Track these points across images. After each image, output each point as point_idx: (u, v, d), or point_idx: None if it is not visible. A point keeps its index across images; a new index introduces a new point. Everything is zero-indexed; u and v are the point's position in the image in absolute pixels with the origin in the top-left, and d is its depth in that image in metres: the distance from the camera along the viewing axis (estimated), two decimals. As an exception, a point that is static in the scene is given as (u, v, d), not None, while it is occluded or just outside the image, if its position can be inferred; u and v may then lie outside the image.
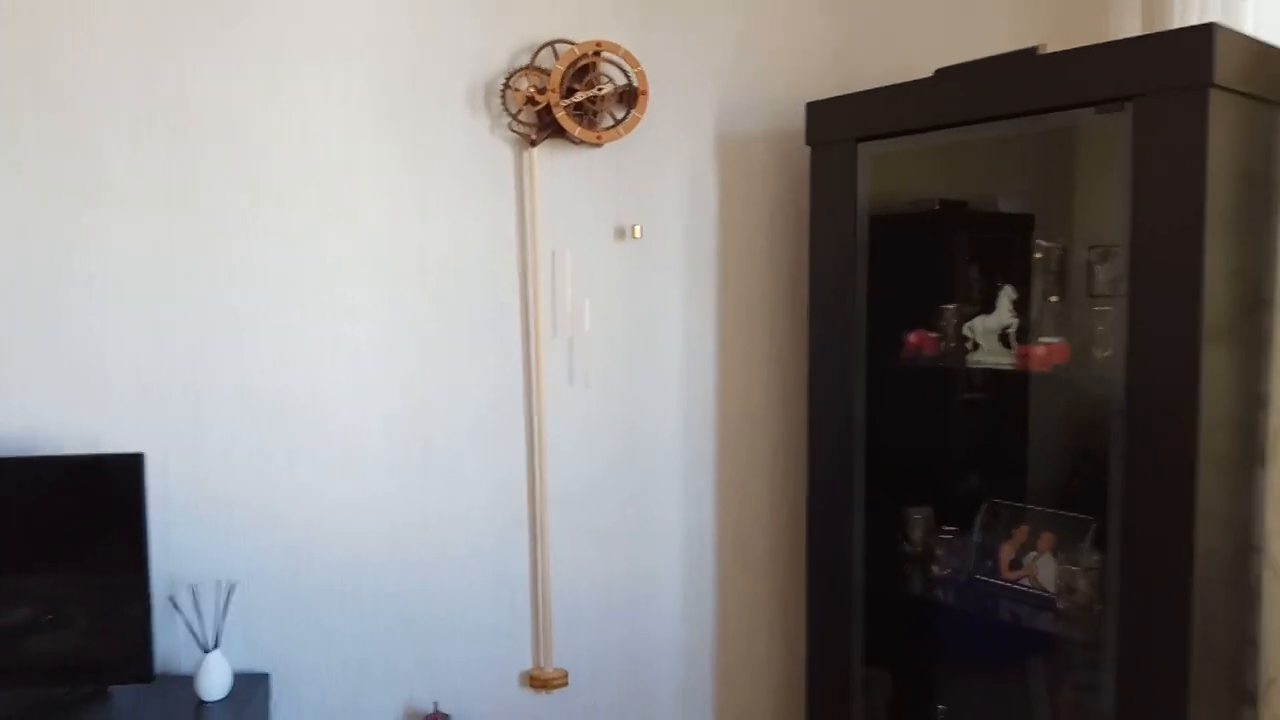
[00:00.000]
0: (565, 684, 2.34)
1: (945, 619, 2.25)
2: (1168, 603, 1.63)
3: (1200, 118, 1.53)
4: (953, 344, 2.09)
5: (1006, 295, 1.97)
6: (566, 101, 2.15)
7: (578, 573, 2.35)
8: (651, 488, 2.40)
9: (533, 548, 2.32)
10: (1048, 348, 1.90)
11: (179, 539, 2.14)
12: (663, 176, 2.33)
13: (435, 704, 2.25)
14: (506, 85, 2.18)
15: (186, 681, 2.11)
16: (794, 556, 2.52)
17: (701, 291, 2.39)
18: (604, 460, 2.35)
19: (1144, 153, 1.60)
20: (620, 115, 2.21)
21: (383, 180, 2.18)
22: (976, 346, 2.03)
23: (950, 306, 2.10)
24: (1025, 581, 2.02)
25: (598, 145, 2.24)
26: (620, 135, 2.20)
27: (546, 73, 2.17)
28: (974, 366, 2.05)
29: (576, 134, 2.17)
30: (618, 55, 2.17)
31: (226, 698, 2.05)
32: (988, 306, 2.02)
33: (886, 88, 1.99)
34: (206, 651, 2.05)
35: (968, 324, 2.04)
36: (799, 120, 2.39)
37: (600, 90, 2.17)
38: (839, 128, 2.09)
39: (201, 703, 2.02)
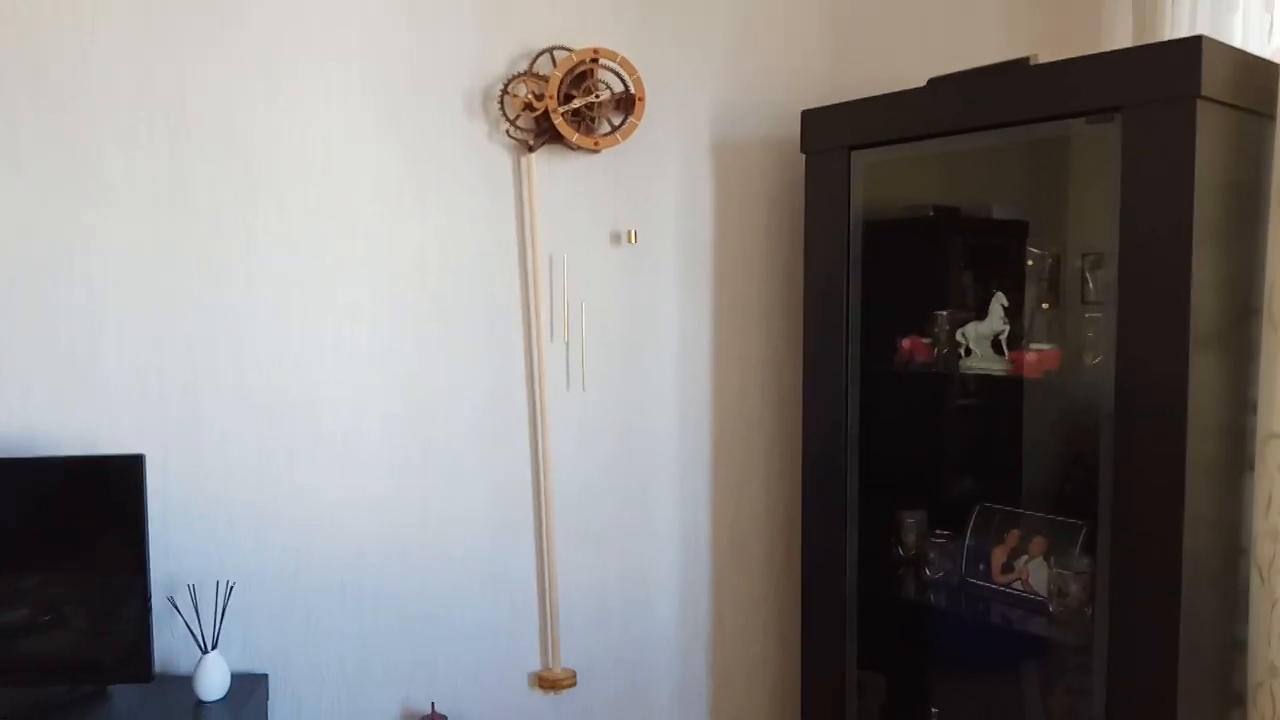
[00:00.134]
0: (573, 684, 2.36)
1: (938, 622, 2.27)
2: (1157, 606, 1.65)
3: (1188, 128, 1.55)
4: (946, 350, 2.11)
5: (998, 302, 1.99)
6: (564, 108, 2.17)
7: (575, 574, 2.37)
8: (648, 490, 2.41)
9: (538, 549, 2.34)
10: (1039, 354, 1.93)
11: (178, 539, 2.15)
12: (659, 182, 2.35)
13: (433, 704, 2.27)
14: (505, 91, 2.20)
15: (185, 681, 2.12)
16: (789, 559, 2.54)
17: (697, 296, 2.41)
18: (601, 463, 2.37)
19: (1133, 162, 1.62)
20: (617, 121, 2.23)
21: (382, 183, 2.20)
22: (969, 352, 2.05)
23: (943, 312, 2.12)
24: (1017, 585, 2.04)
25: (595, 151, 2.26)
26: (617, 141, 2.22)
27: (544, 79, 2.20)
28: (967, 372, 2.07)
29: (574, 140, 2.19)
30: (615, 62, 2.20)
31: (225, 698, 2.06)
32: (981, 313, 2.03)
33: (880, 96, 2.01)
34: (205, 652, 2.06)
35: (961, 330, 2.06)
36: (794, 127, 2.41)
37: (597, 97, 2.19)
38: (833, 136, 2.11)
39: (200, 702, 2.04)
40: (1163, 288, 1.60)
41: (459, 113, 2.22)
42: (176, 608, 2.14)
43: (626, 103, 2.22)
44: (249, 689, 2.10)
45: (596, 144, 2.20)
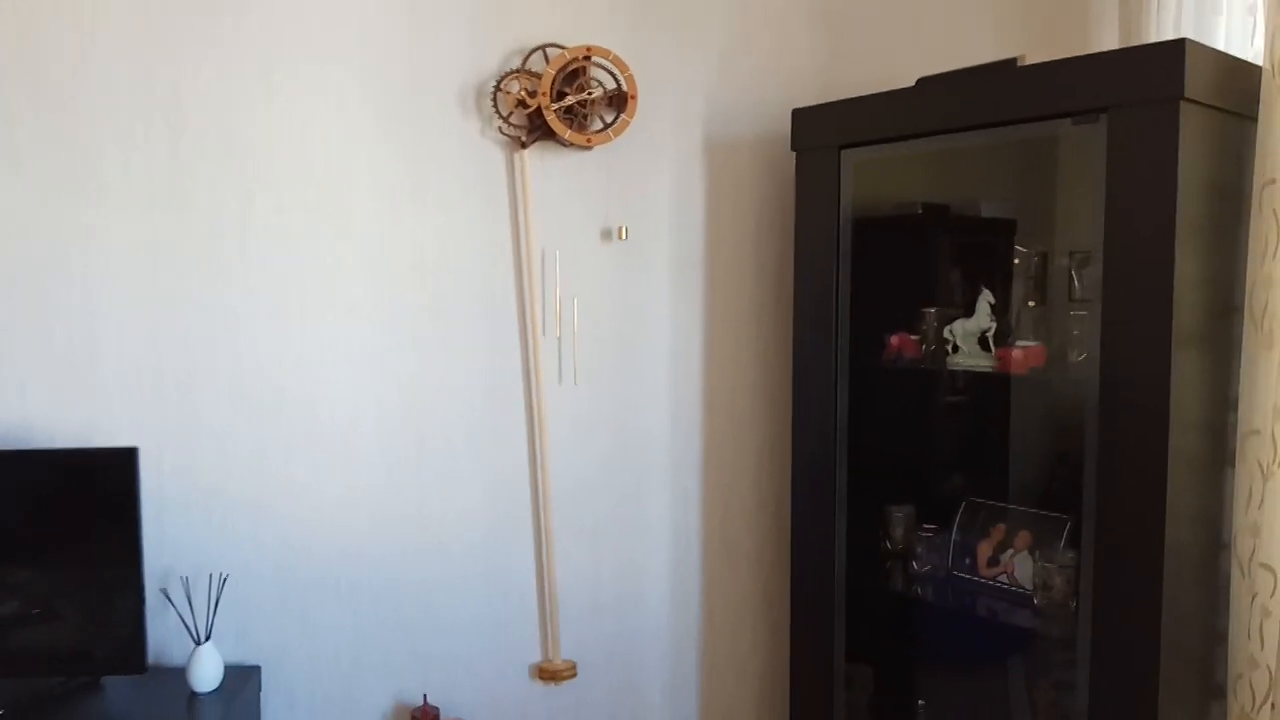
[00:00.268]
0: (574, 675, 2.38)
1: (925, 615, 2.30)
2: (1139, 599, 1.68)
3: (1171, 130, 1.58)
4: (933, 346, 2.13)
5: (985, 299, 2.02)
6: (557, 105, 2.19)
7: (568, 569, 2.39)
8: (640, 485, 2.44)
9: (537, 543, 2.36)
10: (1025, 351, 1.95)
11: (172, 532, 2.16)
12: (651, 179, 2.37)
13: (425, 696, 2.28)
14: (498, 88, 2.22)
15: (178, 673, 2.13)
16: (778, 553, 2.56)
17: (688, 292, 2.43)
18: (593, 459, 2.39)
19: (1118, 163, 1.65)
20: (610, 119, 2.25)
21: (377, 180, 2.21)
22: (956, 349, 2.07)
23: (931, 309, 2.14)
24: (1003, 578, 2.07)
25: (587, 148, 2.28)
26: (609, 138, 2.23)
27: (537, 76, 2.21)
28: (954, 368, 2.09)
29: (566, 137, 2.20)
30: (608, 60, 2.21)
31: (218, 689, 2.07)
32: (968, 310, 2.06)
33: (870, 96, 2.04)
34: (198, 643, 2.07)
35: (948, 327, 2.08)
36: (785, 125, 2.43)
37: (590, 94, 2.21)
38: (824, 134, 2.13)
39: (193, 694, 2.05)
40: (1146, 286, 1.63)
41: (453, 110, 2.23)
42: (170, 600, 2.15)
43: (619, 100, 2.24)
44: (242, 680, 2.12)
45: (589, 141, 2.22)
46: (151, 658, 2.16)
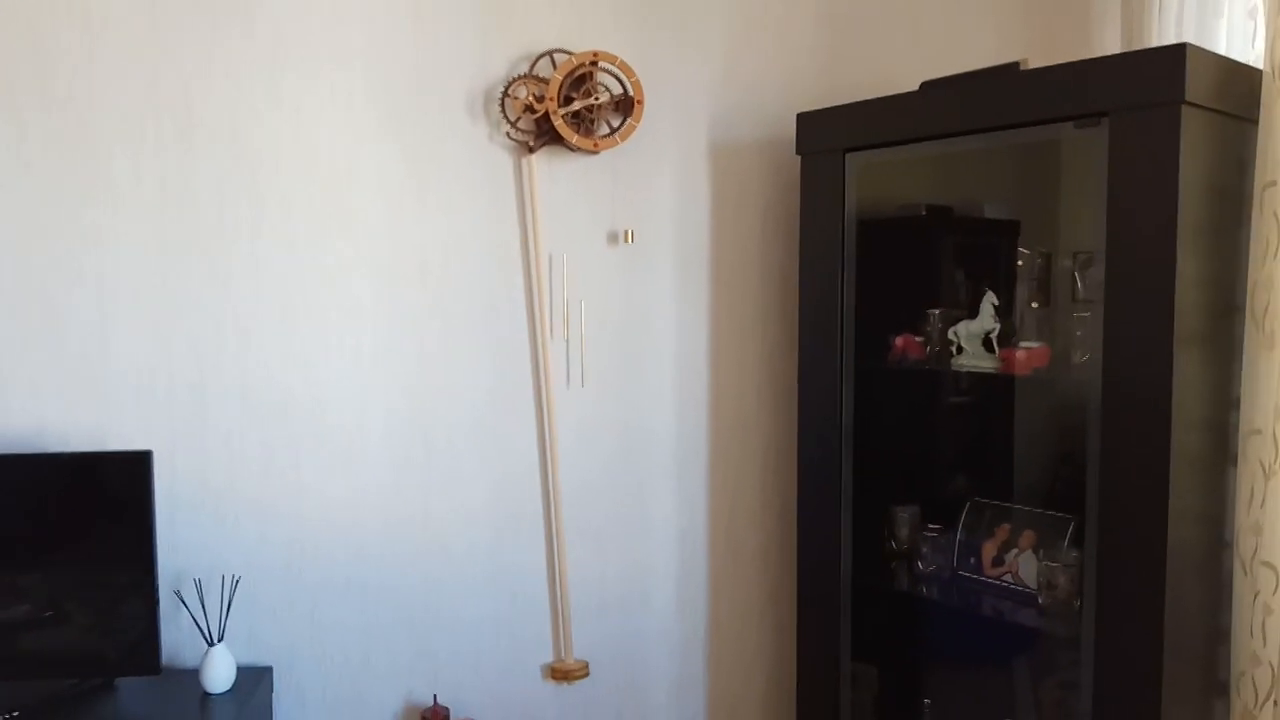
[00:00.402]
0: (586, 674, 2.40)
1: (930, 614, 2.31)
2: (1142, 597, 1.69)
3: (1173, 133, 1.59)
4: (938, 347, 2.15)
5: (989, 301, 2.04)
6: (564, 110, 2.21)
7: (575, 569, 2.41)
8: (646, 485, 2.45)
9: (548, 543, 2.38)
10: (1028, 352, 1.97)
11: (184, 534, 2.18)
12: (657, 183, 2.39)
13: (435, 696, 2.30)
14: (505, 93, 2.24)
15: (191, 674, 2.15)
16: (784, 553, 2.58)
17: (694, 295, 2.45)
18: (600, 460, 2.41)
19: (1120, 166, 1.67)
20: (616, 123, 2.27)
21: (385, 184, 2.23)
22: (960, 350, 2.09)
23: (936, 311, 2.15)
24: (1007, 578, 2.08)
25: (594, 152, 2.30)
26: (616, 143, 2.25)
27: (545, 81, 2.23)
28: (958, 369, 2.11)
29: (574, 141, 2.22)
30: (614, 65, 2.23)
31: (231, 690, 2.09)
32: (972, 311, 2.07)
33: (874, 100, 2.05)
34: (211, 645, 2.09)
35: (952, 328, 2.09)
36: (789, 129, 2.45)
37: (597, 99, 2.23)
38: (828, 138, 2.15)
39: (206, 694, 2.07)
40: (1148, 287, 1.64)
41: (461, 115, 2.26)
42: (183, 601, 2.17)
43: (625, 105, 2.26)
44: (254, 681, 2.14)
45: (596, 145, 2.24)
46: (165, 659, 2.17)
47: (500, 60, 2.26)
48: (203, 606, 2.17)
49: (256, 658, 2.24)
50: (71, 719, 1.95)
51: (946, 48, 2.49)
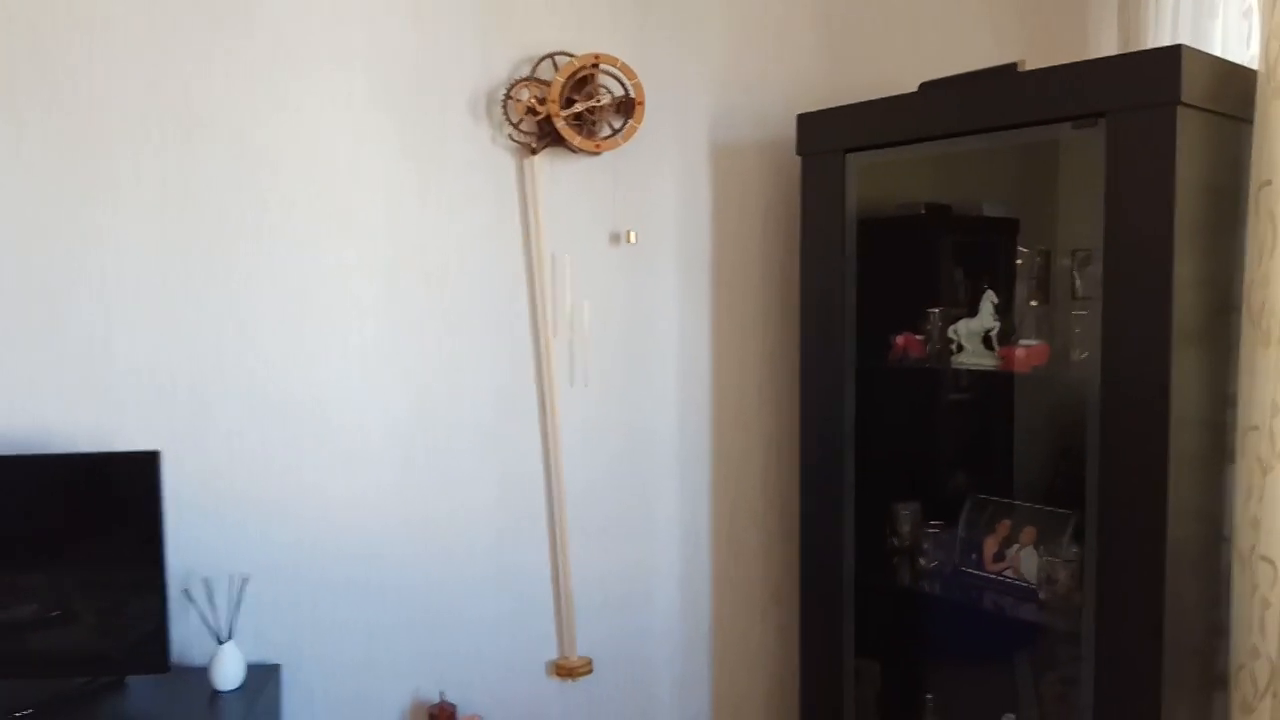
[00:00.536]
0: (589, 671, 2.41)
1: (932, 609, 2.33)
2: (1142, 592, 1.71)
3: (1169, 133, 1.61)
4: (938, 346, 2.17)
5: (989, 299, 2.06)
6: (566, 112, 2.23)
7: (579, 568, 2.43)
8: (649, 485, 2.47)
9: (551, 542, 2.40)
10: (1027, 350, 1.99)
11: (189, 534, 2.20)
12: (659, 184, 2.41)
13: (441, 693, 2.32)
14: (508, 96, 2.26)
15: (200, 672, 2.17)
16: (787, 550, 2.60)
17: (696, 295, 2.47)
18: (603, 459, 2.43)
19: (1117, 166, 1.69)
20: (618, 125, 2.28)
21: (386, 185, 2.24)
22: (961, 348, 2.11)
23: (936, 310, 2.17)
24: (1008, 573, 2.10)
25: (596, 154, 2.32)
26: (618, 144, 2.27)
27: (546, 84, 2.25)
28: (958, 368, 2.13)
29: (576, 143, 2.24)
30: (615, 67, 2.25)
31: (240, 687, 2.10)
32: (972, 310, 2.09)
33: (874, 101, 2.07)
34: (220, 643, 2.11)
35: (952, 326, 2.11)
36: (790, 130, 2.47)
37: (599, 101, 2.25)
38: (828, 139, 2.17)
39: (216, 692, 2.08)
40: (1146, 286, 1.66)
41: (463, 117, 2.27)
42: (192, 600, 2.19)
43: (627, 106, 2.27)
44: (263, 679, 2.15)
45: (597, 147, 2.26)
46: (174, 657, 2.19)
47: (502, 62, 2.28)
48: (211, 605, 2.19)
49: (264, 656, 2.26)
50: (82, 716, 1.97)
51: (945, 49, 2.51)
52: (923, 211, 2.25)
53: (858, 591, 2.24)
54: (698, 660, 2.55)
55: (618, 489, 2.44)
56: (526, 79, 2.26)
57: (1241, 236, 1.82)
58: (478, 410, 2.33)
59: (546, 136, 2.27)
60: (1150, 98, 1.63)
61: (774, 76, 2.46)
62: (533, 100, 2.24)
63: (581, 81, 2.25)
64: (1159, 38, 2.05)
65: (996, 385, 2.18)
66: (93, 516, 2.01)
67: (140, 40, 2.10)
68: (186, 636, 2.21)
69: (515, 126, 2.27)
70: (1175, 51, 1.60)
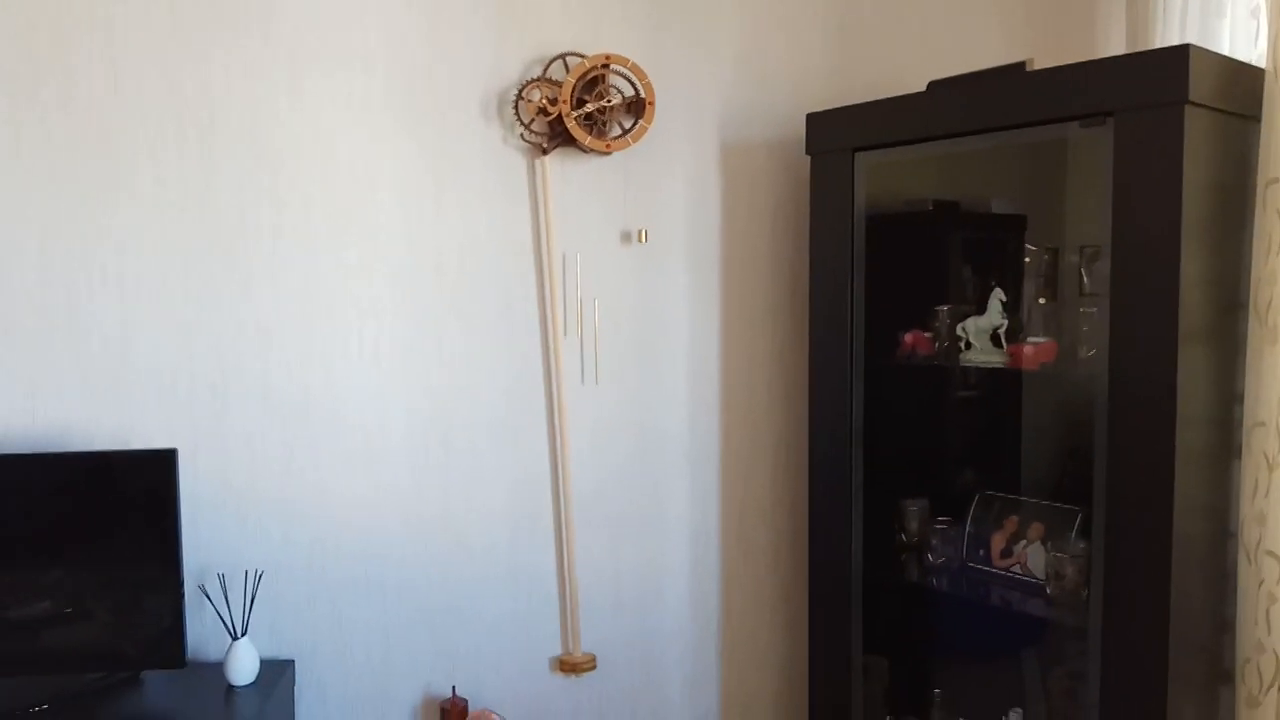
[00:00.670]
0: (593, 667, 2.43)
1: (940, 605, 2.35)
2: (1148, 587, 1.72)
3: (1176, 133, 1.63)
4: (947, 343, 2.18)
5: (997, 297, 2.07)
6: (577, 112, 2.25)
7: (590, 566, 2.45)
8: (659, 483, 2.49)
9: (558, 540, 2.42)
10: (1036, 347, 2.00)
11: (206, 532, 2.22)
12: (669, 183, 2.43)
13: (454, 688, 2.35)
14: (519, 96, 2.28)
15: (215, 667, 2.19)
16: (795, 547, 2.62)
17: (706, 293, 2.49)
18: (613, 456, 2.45)
19: (1124, 165, 1.70)
20: (628, 125, 2.30)
21: (402, 186, 2.27)
22: (969, 346, 2.12)
23: (944, 307, 2.18)
24: (1016, 569, 2.12)
25: (607, 153, 2.34)
26: (628, 144, 2.29)
27: (558, 84, 2.27)
28: (967, 365, 2.14)
29: (586, 143, 2.26)
30: (626, 68, 2.27)
31: (254, 682, 2.13)
32: (980, 307, 2.10)
33: (883, 100, 2.09)
34: (235, 639, 2.13)
35: (961, 324, 2.12)
36: (799, 129, 2.48)
37: (609, 101, 2.27)
38: (837, 138, 2.18)
39: (231, 687, 2.11)
40: (1153, 283, 1.68)
41: (475, 117, 2.29)
42: (207, 596, 2.21)
43: (637, 106, 2.29)
44: (277, 674, 2.18)
45: (608, 146, 2.28)
46: (189, 652, 2.22)
47: (514, 63, 2.30)
48: (226, 601, 2.21)
49: (278, 652, 2.28)
50: (99, 711, 1.99)
51: (953, 49, 2.53)
52: (930, 209, 2.27)
53: (866, 588, 2.25)
54: (707, 658, 2.57)
55: (629, 486, 2.46)
56: (538, 79, 2.27)
57: (1249, 234, 1.83)
58: (490, 409, 2.35)
59: (558, 136, 2.29)
60: (1158, 97, 1.64)
61: (783, 76, 2.48)
62: (544, 101, 2.26)
63: (592, 82, 2.27)
64: (1167, 37, 2.06)
65: (1004, 382, 2.19)
66: (111, 513, 2.03)
67: (160, 43, 2.13)
68: (202, 632, 2.24)
69: (527, 127, 2.29)
70: (1183, 51, 1.61)
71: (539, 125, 2.29)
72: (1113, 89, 1.70)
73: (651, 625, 2.51)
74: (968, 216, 2.27)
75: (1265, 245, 1.75)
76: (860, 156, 2.15)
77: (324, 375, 2.26)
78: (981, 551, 2.19)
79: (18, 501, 2.01)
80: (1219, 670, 1.91)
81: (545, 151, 2.30)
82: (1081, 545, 1.96)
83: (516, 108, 2.28)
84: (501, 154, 2.32)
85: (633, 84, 2.29)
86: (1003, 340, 2.07)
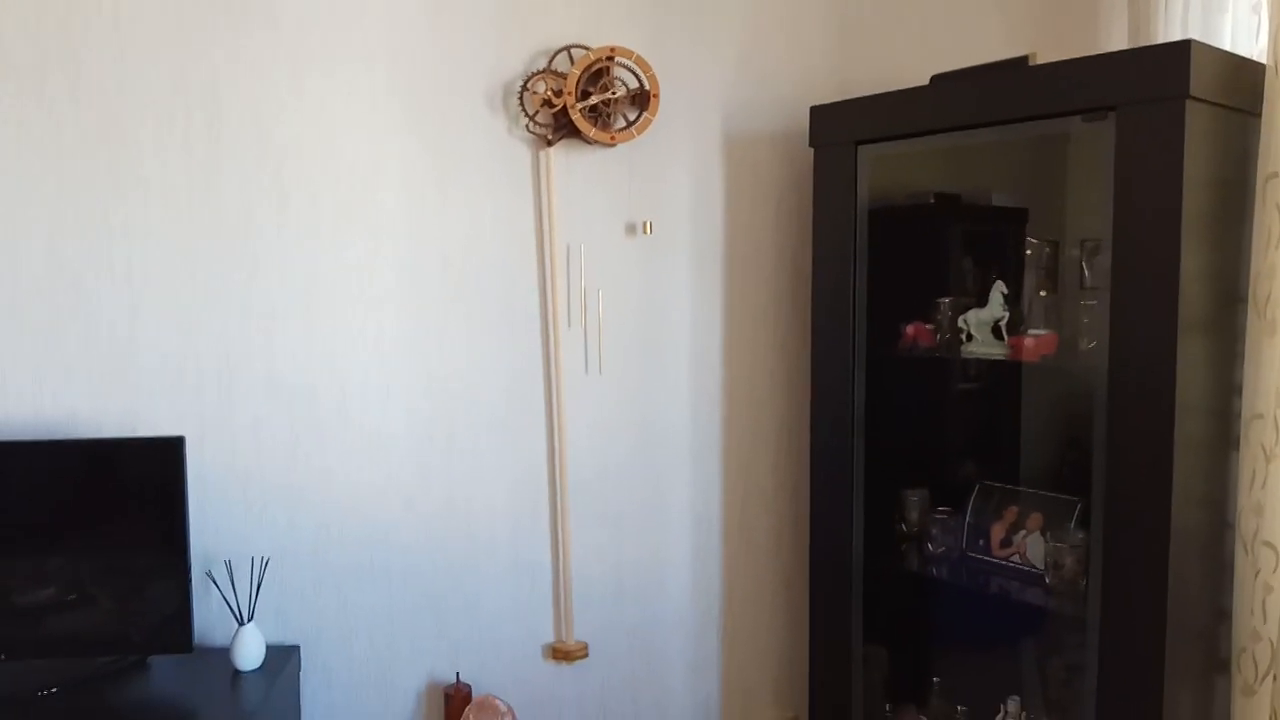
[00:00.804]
0: (585, 655, 2.46)
1: (940, 594, 2.37)
2: (1146, 577, 1.74)
3: (1177, 127, 1.64)
4: (948, 335, 2.19)
5: (999, 289, 2.08)
6: (581, 104, 2.26)
7: (593, 555, 2.47)
8: (662, 472, 2.51)
9: (553, 529, 2.44)
10: (1037, 339, 2.02)
11: (213, 519, 2.24)
12: (672, 175, 2.44)
13: (458, 674, 2.37)
14: (524, 88, 2.29)
15: (221, 652, 2.22)
16: (797, 537, 2.64)
17: (709, 284, 2.50)
18: (617, 446, 2.46)
19: (1126, 159, 1.71)
20: (632, 117, 2.32)
21: (407, 177, 2.28)
22: (970, 338, 2.13)
23: (946, 299, 2.20)
24: (1015, 559, 2.14)
25: (611, 145, 2.35)
26: (632, 136, 2.30)
27: (562, 76, 2.28)
28: (968, 357, 2.16)
29: (591, 135, 2.27)
30: (630, 60, 2.28)
31: (260, 667, 2.15)
32: (981, 300, 2.12)
33: (886, 94, 2.10)
34: (242, 624, 2.15)
35: (962, 316, 2.14)
36: (802, 121, 2.50)
37: (614, 93, 2.28)
38: (840, 131, 2.20)
39: (237, 672, 2.13)
40: (1153, 277, 1.69)
41: (480, 109, 2.31)
42: (214, 581, 2.23)
43: (641, 99, 2.30)
44: (283, 659, 2.20)
45: (613, 138, 2.29)
46: (195, 638, 2.24)
47: (519, 55, 2.31)
48: (233, 587, 2.23)
49: (284, 638, 2.31)
50: (107, 695, 2.02)
51: (957, 42, 2.54)
52: (933, 202, 2.28)
53: (866, 577, 2.27)
54: (708, 646, 2.59)
55: (631, 476, 2.48)
56: (543, 71, 2.29)
57: (1248, 228, 1.84)
58: (493, 399, 2.37)
59: (562, 128, 2.30)
60: (1159, 92, 1.66)
61: (787, 69, 2.49)
62: (549, 93, 2.27)
63: (597, 74, 2.28)
64: (1169, 32, 2.07)
65: (1005, 374, 2.20)
66: (119, 500, 2.05)
67: (167, 36, 2.14)
68: (208, 618, 2.26)
69: (531, 118, 2.30)
70: (1185, 46, 1.62)
71: (544, 117, 2.30)
72: (1114, 84, 1.71)
73: (653, 613, 2.53)
74: (970, 209, 2.28)
75: (1264, 239, 1.76)
76: (863, 149, 2.17)
77: (329, 363, 2.27)
78: (981, 541, 2.20)
79: (28, 488, 2.03)
80: (1215, 659, 1.93)
81: (550, 143, 2.31)
82: (1080, 535, 1.98)
83: (521, 99, 2.29)
84: (506, 145, 2.33)
85: (637, 76, 2.30)
86: (1004, 332, 2.08)
